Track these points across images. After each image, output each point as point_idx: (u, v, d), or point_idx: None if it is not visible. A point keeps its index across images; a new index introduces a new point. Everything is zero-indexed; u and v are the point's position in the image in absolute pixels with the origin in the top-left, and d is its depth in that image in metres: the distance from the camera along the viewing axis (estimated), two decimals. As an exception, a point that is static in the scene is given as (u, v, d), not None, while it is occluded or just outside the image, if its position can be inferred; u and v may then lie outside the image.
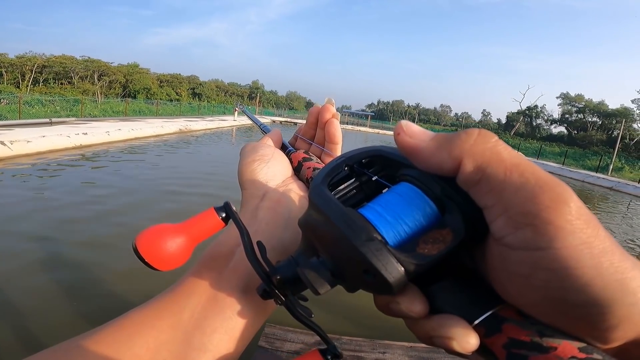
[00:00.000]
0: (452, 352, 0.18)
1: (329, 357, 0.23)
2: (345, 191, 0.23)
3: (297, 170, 0.36)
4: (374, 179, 0.23)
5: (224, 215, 0.26)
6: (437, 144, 0.19)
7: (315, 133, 0.39)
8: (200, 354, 0.24)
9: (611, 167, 20.34)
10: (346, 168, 0.23)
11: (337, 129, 0.36)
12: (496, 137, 0.18)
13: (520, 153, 0.17)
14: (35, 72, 31.33)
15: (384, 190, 0.22)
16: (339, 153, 0.37)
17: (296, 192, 0.34)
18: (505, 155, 0.17)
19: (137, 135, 10.98)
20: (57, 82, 32.75)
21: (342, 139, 0.37)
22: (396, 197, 0.20)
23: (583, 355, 0.15)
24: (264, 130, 0.45)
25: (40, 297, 2.55)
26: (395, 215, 0.19)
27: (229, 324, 0.26)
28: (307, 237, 0.23)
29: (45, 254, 3.11)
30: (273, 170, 0.34)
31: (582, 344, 0.16)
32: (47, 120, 11.15)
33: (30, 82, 30.77)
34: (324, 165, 0.32)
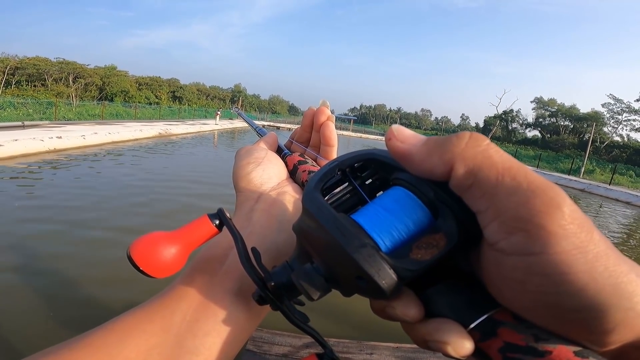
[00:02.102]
0: (448, 356, 0.17)
1: None
2: (338, 195, 0.23)
3: (293, 174, 0.36)
4: (361, 182, 0.23)
5: (217, 222, 0.26)
6: (428, 149, 0.19)
7: (311, 136, 0.39)
8: (192, 357, 0.24)
9: (583, 169, 21.13)
10: (339, 172, 0.23)
11: (333, 132, 0.36)
12: (488, 141, 0.18)
13: (511, 157, 0.17)
14: (7, 74, 30.20)
15: (377, 194, 0.22)
16: (334, 155, 0.37)
17: (291, 195, 0.34)
18: (497, 159, 0.17)
19: (114, 139, 10.69)
20: (30, 84, 31.62)
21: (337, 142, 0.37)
22: (389, 202, 0.20)
23: (579, 359, 0.15)
24: (260, 133, 0.45)
25: (12, 305, 2.45)
26: (387, 221, 0.19)
27: (222, 326, 0.25)
28: (301, 243, 0.23)
29: (12, 262, 2.99)
30: (268, 173, 0.34)
31: (578, 348, 0.15)
32: (20, 123, 10.75)
33: (1, 85, 29.59)
34: (319, 168, 0.32)
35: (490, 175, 0.16)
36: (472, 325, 0.17)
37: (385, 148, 0.22)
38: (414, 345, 2.12)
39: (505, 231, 0.16)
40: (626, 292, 0.14)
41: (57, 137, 8.52)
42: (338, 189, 0.23)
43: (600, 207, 11.11)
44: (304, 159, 0.37)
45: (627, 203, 12.12)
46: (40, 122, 11.89)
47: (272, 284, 0.23)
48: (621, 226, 8.16)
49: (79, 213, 4.24)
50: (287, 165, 0.37)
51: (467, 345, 0.17)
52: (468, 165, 0.17)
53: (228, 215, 0.26)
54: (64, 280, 2.83)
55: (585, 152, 22.58)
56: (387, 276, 0.17)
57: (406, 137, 0.20)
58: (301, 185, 0.35)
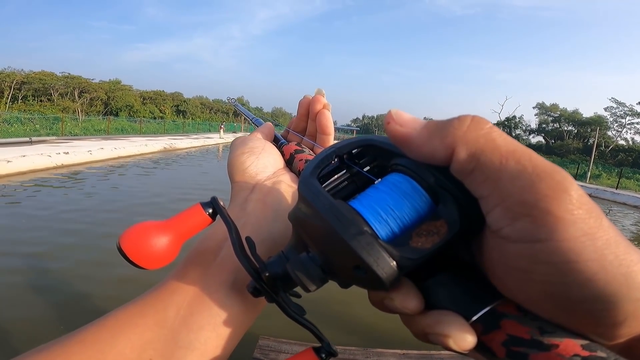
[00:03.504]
0: (449, 349, 0.17)
1: (323, 355, 0.23)
2: (336, 183, 0.23)
3: (290, 163, 0.36)
4: (365, 170, 0.22)
5: (210, 210, 0.25)
6: (428, 132, 0.18)
7: (307, 125, 0.38)
8: (187, 352, 0.24)
9: (589, 174, 20.97)
10: (336, 159, 0.23)
11: (329, 120, 0.36)
12: (490, 124, 0.17)
13: (515, 140, 0.16)
14: (14, 88, 30.70)
15: (375, 182, 0.21)
16: (331, 144, 0.36)
17: (287, 184, 0.33)
18: (500, 142, 0.16)
19: (120, 154, 10.84)
20: (36, 99, 32.12)
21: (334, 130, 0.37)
22: (388, 188, 0.19)
23: (586, 353, 0.14)
24: (256, 124, 0.44)
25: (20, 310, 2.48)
26: (387, 207, 0.18)
27: (217, 320, 0.25)
28: (297, 232, 0.22)
29: (25, 278, 3.02)
30: (263, 163, 0.34)
31: (585, 341, 0.15)
32: (27, 139, 10.94)
33: (8, 99, 30.10)
34: None
35: (493, 159, 0.16)
36: (474, 318, 0.17)
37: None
38: (421, 352, 2.12)
39: (509, 217, 0.15)
40: (636, 282, 0.14)
41: (64, 153, 8.66)
42: (334, 177, 0.23)
43: (609, 212, 11.01)
44: (300, 148, 0.36)
45: (636, 207, 11.99)
46: (48, 138, 12.09)
47: (267, 274, 0.22)
48: (632, 232, 8.07)
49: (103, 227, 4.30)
50: (283, 155, 0.37)
51: (469, 339, 0.16)
52: (470, 149, 0.16)
53: (222, 203, 0.26)
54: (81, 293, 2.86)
55: (591, 157, 22.42)
56: (386, 265, 0.17)
57: (405, 120, 0.19)
58: (298, 174, 0.34)
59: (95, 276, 3.15)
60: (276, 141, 0.39)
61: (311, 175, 0.21)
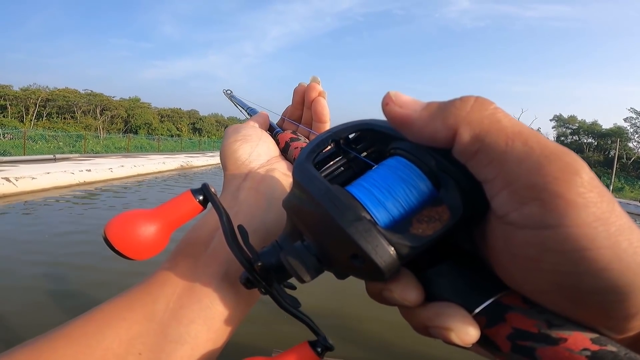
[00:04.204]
0: (450, 343, 0.16)
1: (319, 349, 0.22)
2: (332, 169, 0.22)
3: (285, 152, 0.35)
4: (362, 155, 0.22)
5: (201, 198, 0.24)
6: (429, 113, 0.17)
7: (302, 113, 0.37)
8: (177, 346, 0.23)
9: (611, 187, 20.39)
10: (332, 144, 0.22)
11: (325, 107, 0.35)
12: (495, 104, 0.16)
13: (522, 122, 0.16)
14: (39, 105, 31.75)
15: (373, 166, 0.20)
16: None
17: (281, 172, 0.32)
18: (506, 123, 0.15)
19: (139, 171, 11.04)
20: (60, 116, 33.18)
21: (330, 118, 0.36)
22: (387, 173, 0.18)
23: (596, 347, 0.14)
24: (251, 114, 0.44)
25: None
26: (386, 193, 0.17)
27: (208, 313, 0.24)
28: (291, 219, 0.21)
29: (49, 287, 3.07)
30: (257, 151, 0.33)
31: (595, 335, 0.14)
32: (51, 156, 11.31)
33: (34, 116, 31.19)
34: None
35: (498, 140, 0.15)
36: (477, 310, 0.16)
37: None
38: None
39: (516, 201, 0.14)
40: None
41: (86, 170, 8.86)
42: (331, 163, 0.22)
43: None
44: (296, 136, 0.36)
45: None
46: (71, 155, 12.46)
47: (260, 265, 0.21)
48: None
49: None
50: (278, 144, 0.36)
51: (471, 332, 0.16)
52: (474, 130, 0.16)
53: (214, 190, 0.24)
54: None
55: (612, 170, 21.83)
56: (385, 254, 0.16)
57: (405, 101, 0.18)
58: (293, 162, 0.33)
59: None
60: (271, 130, 0.38)
61: (306, 160, 0.20)
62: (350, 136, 0.22)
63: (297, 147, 0.34)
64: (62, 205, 6.28)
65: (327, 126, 0.36)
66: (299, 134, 0.37)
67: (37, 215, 5.49)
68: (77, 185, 8.04)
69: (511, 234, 0.15)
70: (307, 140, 0.36)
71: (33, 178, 7.14)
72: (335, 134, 0.21)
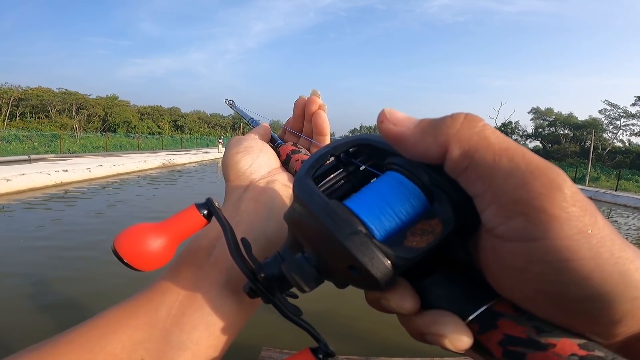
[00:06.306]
0: (445, 349, 0.17)
1: (321, 355, 0.23)
2: (331, 182, 0.22)
3: (286, 163, 0.35)
4: (362, 168, 0.22)
5: (205, 212, 0.25)
6: (421, 131, 0.18)
7: (303, 126, 0.38)
8: (179, 353, 0.23)
9: (587, 177, 21.04)
10: (332, 158, 0.22)
11: (325, 120, 0.36)
12: (483, 121, 0.17)
13: (508, 138, 0.16)
14: (11, 105, 30.74)
15: (372, 180, 0.21)
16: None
17: (282, 183, 0.32)
18: (493, 140, 0.16)
19: (119, 171, 10.79)
20: (34, 115, 32.19)
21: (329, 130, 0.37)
22: (382, 187, 0.19)
23: (584, 352, 0.14)
24: (253, 125, 0.44)
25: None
26: (381, 207, 0.18)
27: (210, 320, 0.25)
28: (292, 232, 0.22)
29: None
30: (258, 162, 0.33)
31: (582, 340, 0.15)
32: (26, 157, 10.94)
33: (6, 117, 30.12)
34: None
35: (486, 157, 0.16)
36: (470, 317, 0.17)
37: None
38: (425, 359, 2.06)
39: (503, 215, 0.15)
40: (633, 280, 0.14)
41: (63, 171, 8.61)
42: (330, 177, 0.23)
43: (609, 214, 11.00)
44: (297, 149, 0.36)
45: (636, 208, 11.98)
46: (46, 156, 12.10)
47: (263, 275, 0.22)
48: (635, 237, 8.03)
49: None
50: (279, 155, 0.36)
51: (465, 339, 0.16)
52: (463, 147, 0.16)
53: (217, 204, 0.25)
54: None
55: (588, 160, 22.54)
56: (380, 265, 0.16)
57: (399, 119, 0.19)
58: (294, 174, 0.34)
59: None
60: (273, 142, 0.39)
61: (306, 175, 0.20)
62: (349, 150, 0.23)
63: (298, 160, 0.34)
64: (39, 207, 6.06)
65: (327, 139, 0.36)
66: (300, 146, 0.37)
67: (13, 218, 5.28)
68: (54, 186, 7.79)
69: (499, 245, 0.16)
70: (307, 153, 0.36)
71: (8, 180, 6.88)
72: (335, 149, 0.22)
